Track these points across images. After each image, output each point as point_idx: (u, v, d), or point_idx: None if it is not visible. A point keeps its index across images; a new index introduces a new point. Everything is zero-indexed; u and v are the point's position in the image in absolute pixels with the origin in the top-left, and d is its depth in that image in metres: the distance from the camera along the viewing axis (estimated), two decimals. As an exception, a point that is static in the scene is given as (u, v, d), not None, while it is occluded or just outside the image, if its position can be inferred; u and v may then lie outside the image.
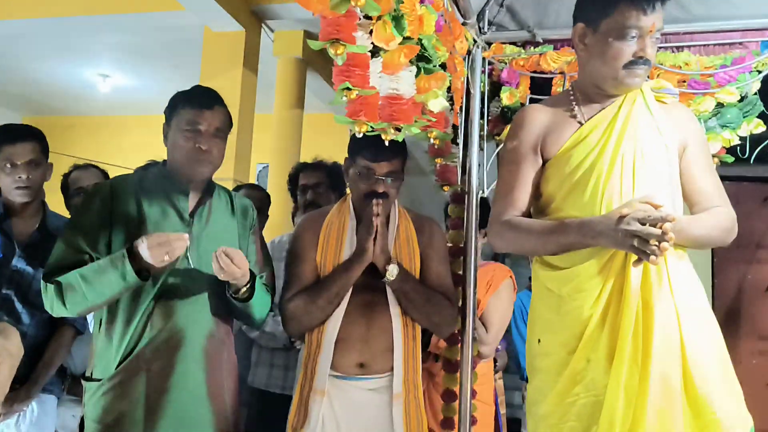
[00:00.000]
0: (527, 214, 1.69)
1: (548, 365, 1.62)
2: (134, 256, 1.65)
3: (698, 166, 1.66)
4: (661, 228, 1.41)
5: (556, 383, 1.58)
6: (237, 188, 3.15)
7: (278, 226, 3.14)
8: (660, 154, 1.61)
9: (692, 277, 1.61)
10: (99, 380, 1.75)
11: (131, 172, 2.04)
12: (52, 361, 2.22)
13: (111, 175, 2.31)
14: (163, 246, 1.62)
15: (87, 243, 1.75)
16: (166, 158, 1.90)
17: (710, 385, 1.50)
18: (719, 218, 1.62)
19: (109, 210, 1.78)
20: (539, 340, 1.66)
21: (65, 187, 2.64)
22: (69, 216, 2.27)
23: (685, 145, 1.65)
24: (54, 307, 1.74)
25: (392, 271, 1.86)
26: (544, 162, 1.69)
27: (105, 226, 1.77)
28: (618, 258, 1.54)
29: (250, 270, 1.79)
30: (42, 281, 1.74)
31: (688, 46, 2.23)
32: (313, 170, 2.78)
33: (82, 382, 1.81)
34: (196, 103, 1.83)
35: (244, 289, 1.80)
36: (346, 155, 1.99)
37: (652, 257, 1.42)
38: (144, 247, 1.63)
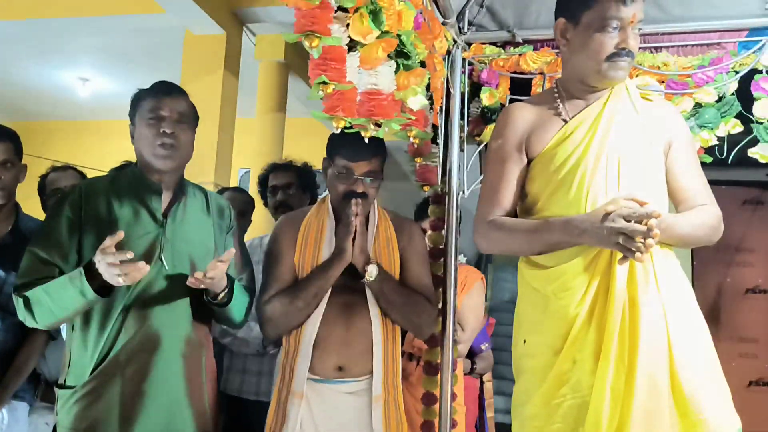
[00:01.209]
0: (513, 214, 1.68)
1: (534, 366, 1.60)
2: (94, 272, 1.60)
3: (684, 163, 1.65)
4: (646, 224, 1.41)
5: (542, 384, 1.56)
6: (220, 191, 3.11)
7: (259, 229, 3.11)
8: (645, 152, 1.60)
9: (679, 275, 1.60)
10: (72, 387, 1.71)
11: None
12: (23, 367, 2.16)
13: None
14: (117, 268, 1.55)
15: (57, 252, 1.72)
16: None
17: (697, 386, 1.48)
18: (705, 216, 1.61)
19: (79, 214, 1.75)
20: (525, 341, 1.65)
21: (42, 188, 2.59)
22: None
23: (670, 142, 1.64)
24: (26, 320, 1.72)
25: (371, 272, 1.84)
26: (529, 161, 1.67)
27: (74, 231, 1.74)
28: (604, 256, 1.53)
29: (228, 274, 1.76)
30: (13, 294, 1.72)
31: (667, 47, 2.24)
32: (284, 171, 2.76)
33: (55, 389, 1.77)
34: (155, 92, 1.82)
35: (222, 294, 1.77)
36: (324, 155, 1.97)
37: (638, 254, 1.42)
38: (102, 266, 1.58)
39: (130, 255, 1.56)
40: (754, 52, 2.14)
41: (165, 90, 1.83)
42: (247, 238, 2.89)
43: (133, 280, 1.59)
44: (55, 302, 1.65)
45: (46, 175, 2.64)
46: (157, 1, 4.72)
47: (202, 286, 1.70)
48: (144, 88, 1.86)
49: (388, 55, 1.42)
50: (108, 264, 1.55)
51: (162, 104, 1.79)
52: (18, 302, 1.70)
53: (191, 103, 1.89)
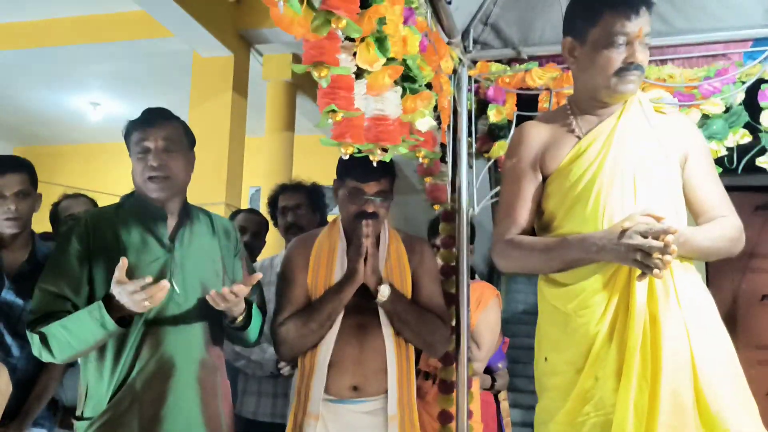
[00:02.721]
0: (530, 232, 1.67)
1: (556, 384, 1.59)
2: (113, 304, 1.62)
3: (701, 175, 1.63)
4: (663, 240, 1.40)
5: (566, 402, 1.54)
6: (234, 213, 3.13)
7: (269, 249, 3.13)
8: (661, 165, 1.59)
9: (700, 289, 1.58)
10: (90, 418, 1.71)
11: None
12: (42, 395, 2.18)
13: (102, 204, 2.30)
14: (140, 293, 1.57)
15: (67, 286, 1.73)
16: None
17: (723, 401, 1.46)
18: (725, 228, 1.58)
19: (87, 246, 1.76)
20: (546, 359, 1.64)
21: (55, 216, 2.62)
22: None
23: (686, 155, 1.63)
24: (42, 355, 1.72)
25: (384, 292, 1.85)
26: (545, 178, 1.67)
27: (84, 263, 1.75)
28: (622, 273, 1.51)
29: (245, 297, 1.76)
30: (27, 330, 1.72)
31: (672, 59, 2.24)
32: (293, 191, 2.76)
33: (74, 421, 1.77)
34: (140, 123, 1.82)
35: (241, 317, 1.78)
36: (335, 177, 1.99)
37: (656, 271, 1.40)
38: (124, 297, 1.59)
39: (149, 280, 1.57)
40: (760, 62, 2.14)
41: (149, 120, 1.81)
42: (259, 258, 2.91)
43: (158, 301, 1.60)
44: (74, 336, 1.66)
45: (58, 203, 2.67)
46: (164, 25, 4.79)
47: (222, 307, 1.70)
48: (133, 120, 1.86)
49: (395, 81, 1.44)
50: (129, 293, 1.57)
51: (147, 135, 1.79)
52: (33, 338, 1.70)
53: (181, 126, 1.88)
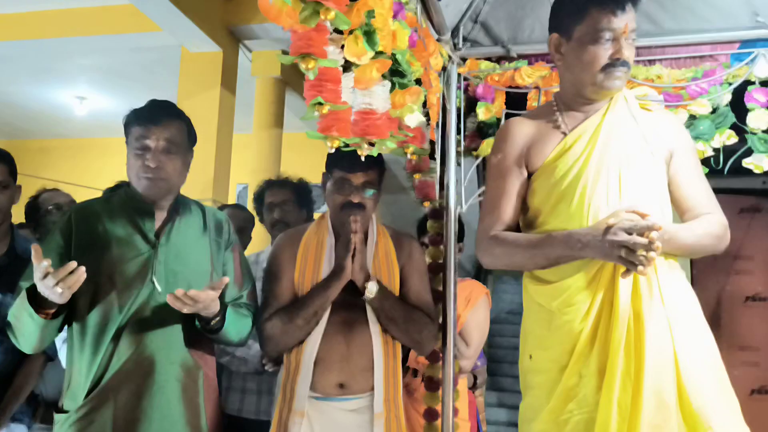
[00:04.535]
0: (515, 228, 1.67)
1: (541, 382, 1.59)
2: (39, 297, 1.58)
3: (686, 173, 1.64)
4: (647, 237, 1.40)
5: (550, 400, 1.55)
6: (220, 208, 3.10)
7: (255, 245, 3.11)
8: (646, 162, 1.59)
9: (684, 286, 1.59)
10: (67, 412, 1.70)
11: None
12: (21, 389, 2.15)
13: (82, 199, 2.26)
14: (49, 279, 1.50)
15: None
16: None
17: (705, 398, 1.47)
18: (709, 225, 1.59)
19: (69, 241, 1.73)
20: (531, 356, 1.64)
21: (33, 209, 2.59)
22: (39, 237, 2.23)
23: (672, 152, 1.64)
24: (18, 345, 1.72)
25: (371, 289, 1.84)
26: (530, 175, 1.67)
27: (64, 259, 1.68)
28: (607, 270, 1.52)
29: (220, 299, 1.72)
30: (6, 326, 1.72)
31: (660, 60, 2.25)
32: (280, 187, 2.75)
33: (55, 414, 1.75)
34: (144, 119, 1.77)
35: (215, 320, 1.74)
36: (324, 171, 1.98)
37: (640, 267, 1.41)
38: (40, 287, 1.54)
39: (73, 265, 1.51)
40: (746, 64, 2.16)
41: (154, 117, 1.77)
42: (245, 254, 2.89)
43: (75, 286, 1.53)
44: (22, 326, 1.65)
45: (36, 196, 2.64)
46: (153, 19, 4.75)
47: (186, 310, 1.63)
48: (136, 109, 1.82)
49: (383, 75, 1.43)
50: (40, 281, 1.51)
51: (148, 134, 1.75)
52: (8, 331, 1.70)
53: (185, 124, 1.84)
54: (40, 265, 1.50)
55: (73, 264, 1.51)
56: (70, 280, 1.51)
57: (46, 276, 1.50)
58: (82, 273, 1.52)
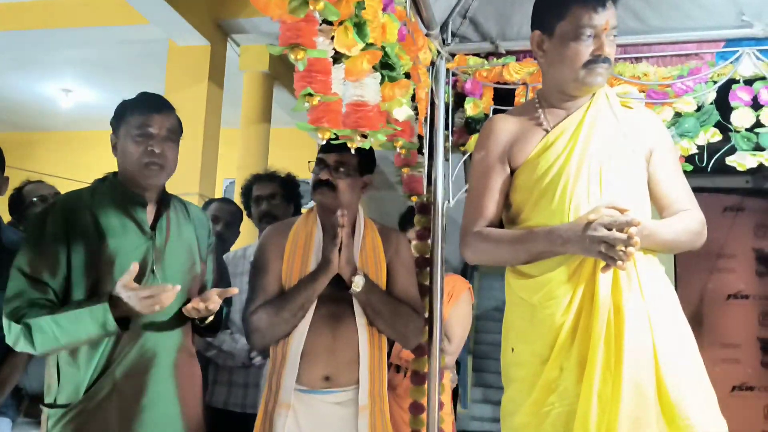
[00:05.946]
0: (498, 225, 1.69)
1: (522, 375, 1.61)
2: (115, 304, 1.60)
3: (666, 170, 1.66)
4: (626, 233, 1.42)
5: (531, 393, 1.56)
6: (208, 202, 3.10)
7: (242, 239, 3.10)
8: (626, 159, 1.61)
9: (664, 281, 1.61)
10: (65, 406, 1.67)
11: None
12: (5, 383, 2.12)
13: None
14: (151, 299, 1.59)
15: (46, 269, 1.67)
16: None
17: (683, 391, 1.49)
18: (688, 222, 1.62)
19: (64, 228, 1.71)
20: (513, 350, 1.66)
21: (17, 201, 2.56)
22: (23, 229, 2.20)
23: (651, 149, 1.66)
24: (18, 345, 1.66)
25: (358, 282, 1.85)
26: (513, 171, 1.68)
27: (61, 246, 1.70)
28: (587, 264, 1.54)
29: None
30: (5, 317, 1.66)
31: (646, 57, 2.28)
32: (267, 181, 2.76)
33: (43, 408, 1.72)
34: (145, 107, 1.79)
35: (211, 318, 1.80)
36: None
37: (619, 262, 1.43)
38: (133, 300, 1.59)
39: (169, 288, 1.60)
40: (731, 63, 2.19)
41: (155, 106, 1.80)
42: (232, 249, 2.89)
43: (167, 304, 1.61)
44: (65, 333, 1.61)
45: (20, 188, 2.61)
46: (140, 12, 4.70)
47: (195, 315, 1.74)
48: (131, 99, 1.83)
49: (373, 67, 1.43)
50: (141, 297, 1.58)
51: (151, 121, 1.76)
52: (11, 326, 1.64)
53: (178, 118, 1.87)
54: (136, 285, 1.61)
55: (177, 288, 1.61)
56: (165, 298, 1.60)
57: (147, 296, 1.59)
58: (175, 290, 1.61)
